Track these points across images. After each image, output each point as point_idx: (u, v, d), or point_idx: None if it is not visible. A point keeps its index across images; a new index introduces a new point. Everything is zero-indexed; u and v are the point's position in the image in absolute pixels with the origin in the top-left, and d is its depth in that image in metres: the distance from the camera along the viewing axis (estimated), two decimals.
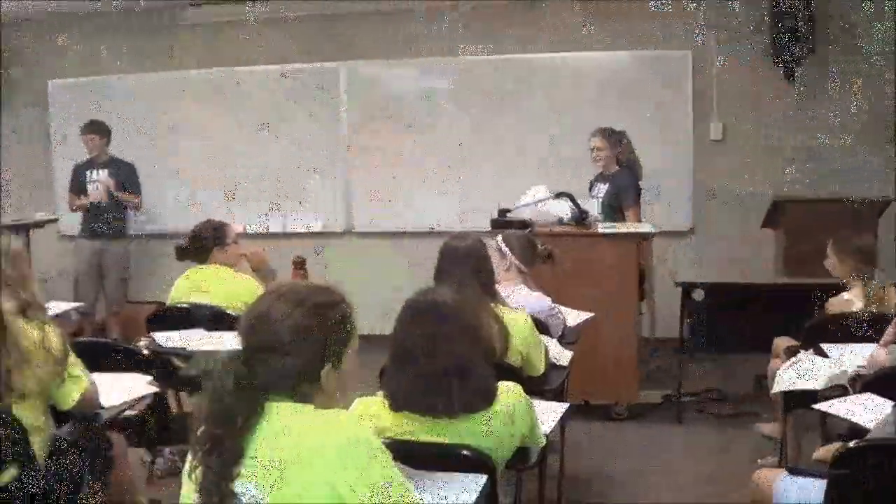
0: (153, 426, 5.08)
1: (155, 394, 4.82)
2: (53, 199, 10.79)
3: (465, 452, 3.34)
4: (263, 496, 2.56)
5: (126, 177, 9.73)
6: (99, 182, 9.59)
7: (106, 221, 9.64)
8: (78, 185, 9.75)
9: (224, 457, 2.59)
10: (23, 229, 9.43)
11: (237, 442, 2.59)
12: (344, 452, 2.57)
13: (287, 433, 2.61)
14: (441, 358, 3.38)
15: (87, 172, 9.71)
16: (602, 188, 8.19)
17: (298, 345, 2.67)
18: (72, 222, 10.23)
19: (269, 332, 2.67)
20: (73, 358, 4.22)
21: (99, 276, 9.71)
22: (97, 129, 9.67)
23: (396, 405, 3.44)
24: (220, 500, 2.58)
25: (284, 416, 2.64)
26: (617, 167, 8.25)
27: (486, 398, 3.46)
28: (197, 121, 10.60)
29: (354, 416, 3.02)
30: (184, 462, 5.75)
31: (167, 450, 6.08)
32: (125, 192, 9.69)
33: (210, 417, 2.65)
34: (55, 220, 10.09)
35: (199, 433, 2.66)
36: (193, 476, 2.64)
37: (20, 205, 10.27)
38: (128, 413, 4.67)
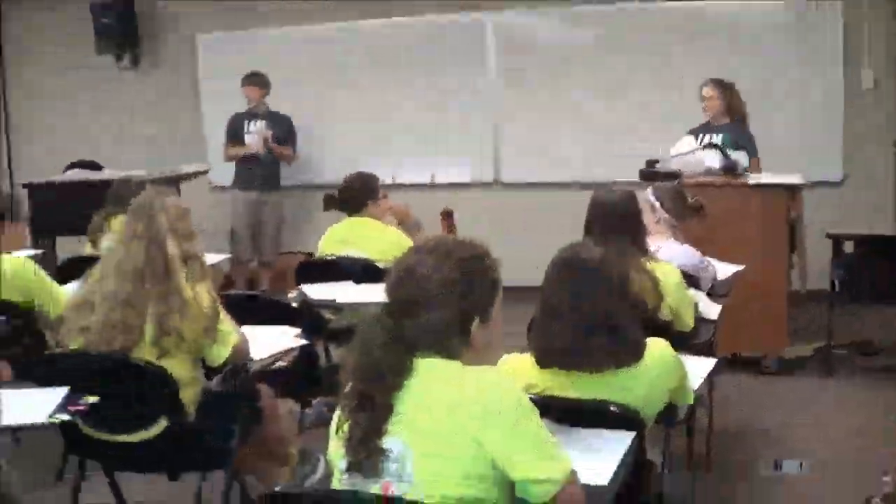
0: (302, 378, 5.14)
1: (304, 346, 4.86)
2: (204, 152, 10.96)
3: (612, 409, 3.30)
4: (410, 452, 2.58)
5: (282, 129, 9.85)
6: (256, 133, 9.71)
7: (261, 173, 9.76)
8: (234, 135, 9.90)
9: (373, 413, 2.60)
10: (174, 181, 9.59)
11: (386, 398, 2.60)
12: (492, 409, 2.57)
13: (435, 390, 2.61)
14: (587, 313, 3.34)
15: (246, 123, 9.86)
16: (711, 139, 7.97)
17: (446, 299, 2.65)
18: (222, 174, 10.40)
19: (417, 287, 2.66)
20: (223, 315, 4.28)
21: (254, 227, 9.86)
22: (258, 81, 9.81)
23: (544, 361, 3.42)
24: (367, 455, 2.59)
25: (432, 373, 2.63)
26: (727, 119, 8.07)
27: (635, 353, 3.41)
28: (345, 73, 10.62)
29: (502, 373, 3.01)
30: (332, 413, 5.84)
31: (316, 401, 6.14)
32: (281, 144, 9.79)
33: (359, 373, 2.65)
34: (206, 172, 10.23)
35: (347, 389, 2.68)
36: (340, 432, 2.66)
37: (170, 159, 10.43)
38: (277, 365, 4.73)
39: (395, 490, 2.60)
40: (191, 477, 4.92)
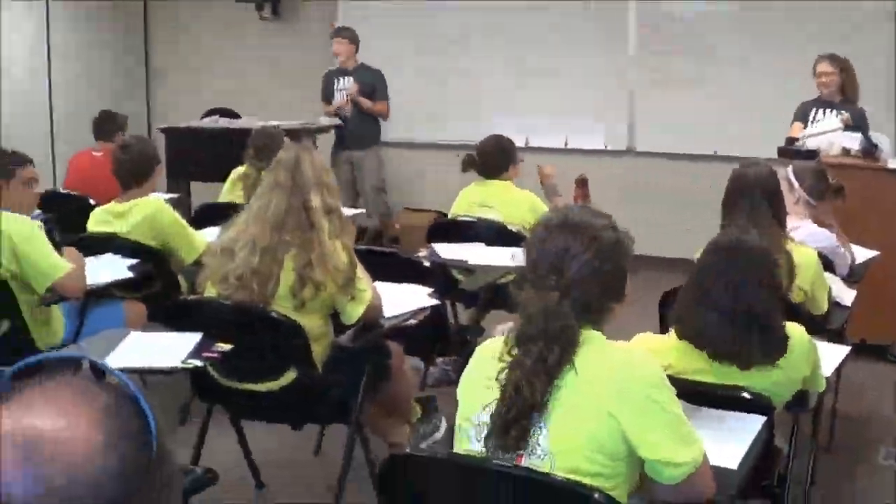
0: (430, 337, 5.13)
1: (434, 305, 4.84)
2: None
3: (745, 395, 3.28)
4: (546, 426, 2.56)
5: (373, 84, 9.74)
6: (344, 90, 9.67)
7: (354, 130, 9.72)
8: (327, 94, 9.86)
9: (533, 388, 2.56)
10: (310, 133, 9.64)
11: (551, 374, 2.57)
12: (631, 386, 2.56)
13: (578, 364, 2.58)
14: (745, 307, 3.30)
15: (336, 80, 9.80)
16: (827, 115, 7.71)
17: (590, 280, 2.63)
18: None
19: (559, 266, 2.63)
20: (360, 272, 4.28)
21: (353, 184, 9.79)
22: (347, 35, 9.66)
23: (690, 340, 3.36)
24: (516, 430, 2.56)
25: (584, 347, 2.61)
26: (839, 97, 7.81)
27: (782, 350, 3.37)
28: (483, 32, 10.53)
29: (642, 351, 2.96)
30: (456, 373, 5.83)
31: (441, 360, 6.14)
32: (372, 99, 9.72)
33: (519, 342, 2.62)
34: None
35: (509, 360, 2.63)
36: (485, 399, 2.62)
37: (306, 111, 10.46)
38: (407, 323, 4.72)
39: (527, 463, 2.57)
40: (312, 428, 4.98)
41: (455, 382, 5.99)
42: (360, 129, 9.70)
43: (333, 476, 4.52)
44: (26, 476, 1.18)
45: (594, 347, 2.62)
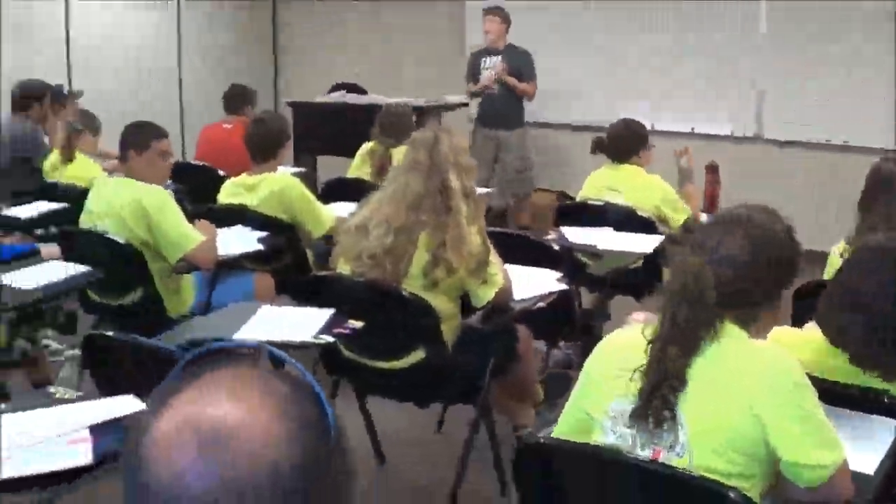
0: (556, 321, 5.11)
1: (563, 290, 4.81)
2: (465, 84, 10.95)
3: (885, 399, 3.16)
4: (686, 422, 2.52)
5: (520, 64, 9.67)
6: (490, 69, 9.62)
7: (500, 110, 9.67)
8: (472, 73, 9.83)
9: (667, 376, 2.54)
10: (437, 111, 9.65)
11: (684, 362, 2.55)
12: (774, 385, 2.51)
13: (722, 359, 2.55)
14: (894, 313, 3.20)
15: (483, 59, 9.76)
16: None
17: (754, 280, 2.63)
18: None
19: (728, 266, 2.62)
20: (492, 256, 4.27)
21: (493, 164, 9.75)
22: (500, 14, 9.63)
23: (832, 340, 3.28)
24: (653, 419, 2.55)
25: (725, 341, 2.57)
26: None
27: None
28: (613, 14, 10.42)
29: (783, 349, 2.91)
30: (578, 357, 5.81)
31: (563, 343, 6.12)
32: (519, 79, 9.66)
33: (664, 328, 2.59)
34: (467, 104, 10.24)
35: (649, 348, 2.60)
36: (626, 389, 2.61)
37: (433, 88, 10.48)
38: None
39: (664, 459, 2.54)
40: (435, 406, 4.99)
41: (577, 366, 5.98)
42: (505, 109, 9.64)
43: (455, 454, 4.53)
44: (205, 465, 1.18)
45: (735, 342, 2.58)
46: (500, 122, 9.63)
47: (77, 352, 6.25)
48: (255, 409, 1.22)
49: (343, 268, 4.30)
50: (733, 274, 2.60)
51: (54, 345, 6.35)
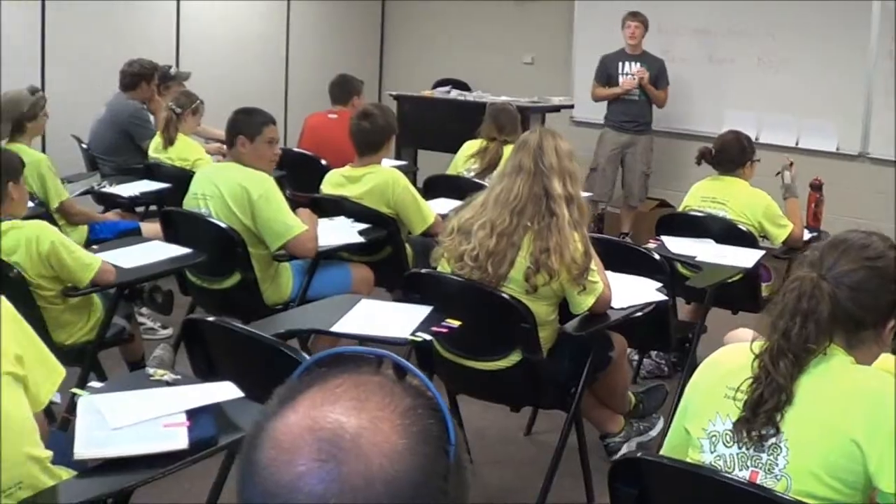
0: (652, 331, 5.07)
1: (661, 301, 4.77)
2: (569, 85, 10.92)
3: None
4: (786, 445, 2.49)
5: (656, 72, 9.67)
6: (633, 74, 9.57)
7: (636, 115, 9.64)
8: (605, 76, 9.78)
9: (772, 394, 2.51)
10: (541, 111, 9.64)
11: (789, 380, 2.52)
12: (873, 410, 2.46)
13: (826, 382, 2.52)
14: None
15: (619, 64, 9.71)
16: None
17: (872, 301, 2.58)
18: (585, 110, 10.35)
19: (845, 288, 2.57)
20: (595, 264, 4.23)
21: (619, 168, 9.73)
22: (642, 19, 9.59)
23: None
24: (753, 438, 2.52)
25: (831, 363, 2.55)
26: None
27: None
28: (726, 21, 10.27)
29: (888, 377, 2.86)
30: (670, 368, 5.76)
31: (654, 353, 6.07)
32: (654, 86, 9.63)
33: (775, 342, 2.56)
34: (571, 106, 10.20)
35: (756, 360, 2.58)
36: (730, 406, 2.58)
37: (537, 88, 10.45)
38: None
39: (761, 482, 2.51)
40: (523, 410, 4.97)
41: (666, 377, 5.93)
42: (639, 114, 9.68)
43: (541, 458, 4.52)
44: (324, 471, 1.18)
45: (841, 364, 2.55)
46: (632, 126, 9.67)
47: (170, 331, 6.36)
48: (377, 419, 1.22)
49: (444, 267, 4.30)
50: (846, 295, 2.55)
51: (149, 323, 6.45)
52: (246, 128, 5.39)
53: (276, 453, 1.21)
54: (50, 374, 3.02)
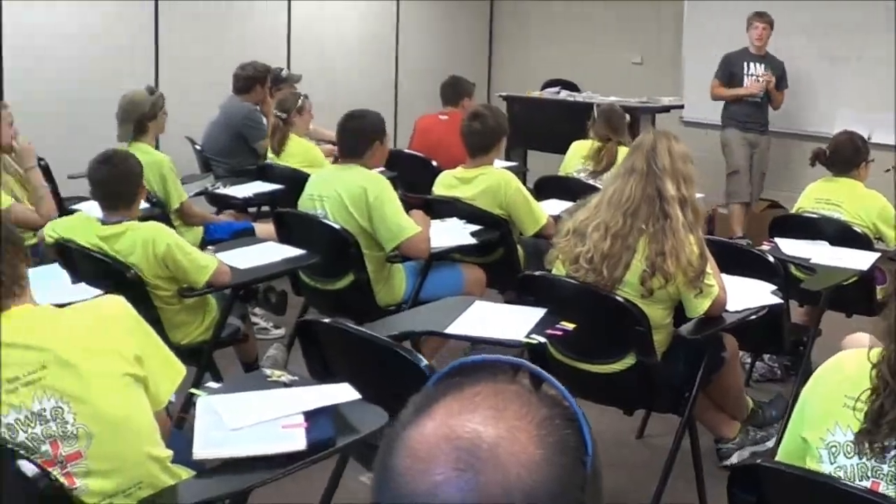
0: (765, 334, 5.01)
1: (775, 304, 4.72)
2: (679, 84, 10.84)
3: None
4: None
5: (779, 74, 9.53)
6: (758, 76, 9.46)
7: (759, 116, 9.53)
8: (727, 74, 9.66)
9: (893, 398, 2.46)
10: (650, 112, 9.58)
11: None
12: None
13: None
14: None
15: (744, 64, 9.59)
16: None
17: None
18: (695, 111, 10.27)
19: None
20: (710, 267, 4.20)
21: (750, 167, 9.61)
22: (769, 20, 9.43)
23: None
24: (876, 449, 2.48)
25: None
26: None
27: None
28: (831, 18, 10.05)
29: None
30: (783, 372, 5.67)
31: (767, 356, 6.01)
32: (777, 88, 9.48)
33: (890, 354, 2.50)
34: (681, 107, 10.12)
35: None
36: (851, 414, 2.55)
37: (646, 88, 10.39)
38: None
39: (883, 492, 2.47)
40: (636, 413, 4.94)
41: (779, 380, 5.85)
42: (762, 115, 9.58)
43: (653, 462, 4.50)
44: (462, 481, 1.17)
45: None
46: (758, 127, 9.58)
47: (282, 331, 6.44)
48: (514, 428, 1.21)
49: (559, 269, 4.30)
50: None
51: (262, 323, 6.53)
52: (381, 132, 5.52)
53: (412, 462, 1.20)
54: (170, 373, 3.09)
